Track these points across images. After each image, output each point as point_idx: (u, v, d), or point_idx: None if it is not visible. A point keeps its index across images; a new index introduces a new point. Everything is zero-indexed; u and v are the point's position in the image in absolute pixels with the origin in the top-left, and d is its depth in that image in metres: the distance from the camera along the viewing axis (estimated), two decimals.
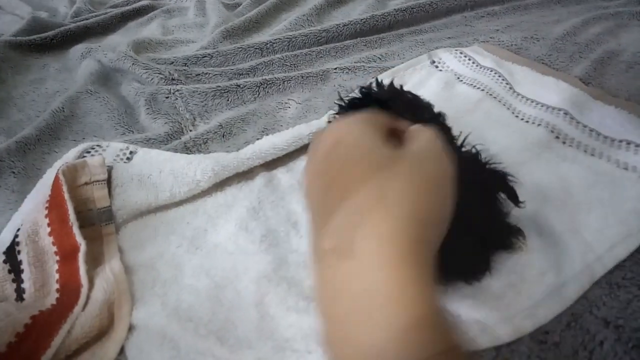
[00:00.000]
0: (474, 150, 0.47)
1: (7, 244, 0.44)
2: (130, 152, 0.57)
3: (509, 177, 0.43)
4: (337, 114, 0.53)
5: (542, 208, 0.47)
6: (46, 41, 0.94)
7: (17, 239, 0.43)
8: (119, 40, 0.98)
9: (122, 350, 0.38)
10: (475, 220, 0.38)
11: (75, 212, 0.45)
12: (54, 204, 0.45)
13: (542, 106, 0.61)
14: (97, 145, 0.57)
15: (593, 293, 0.39)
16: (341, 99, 0.54)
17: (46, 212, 0.45)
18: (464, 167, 0.40)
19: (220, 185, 0.55)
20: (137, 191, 0.51)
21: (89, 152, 0.56)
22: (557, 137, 0.56)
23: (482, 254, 0.41)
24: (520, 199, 0.47)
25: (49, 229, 0.44)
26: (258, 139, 0.61)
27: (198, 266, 0.45)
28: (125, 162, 0.56)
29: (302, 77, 0.76)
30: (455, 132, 0.51)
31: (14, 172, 0.58)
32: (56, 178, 0.47)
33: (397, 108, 0.49)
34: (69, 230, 0.44)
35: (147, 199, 0.51)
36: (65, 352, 0.36)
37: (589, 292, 0.39)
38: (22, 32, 0.95)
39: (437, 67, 0.75)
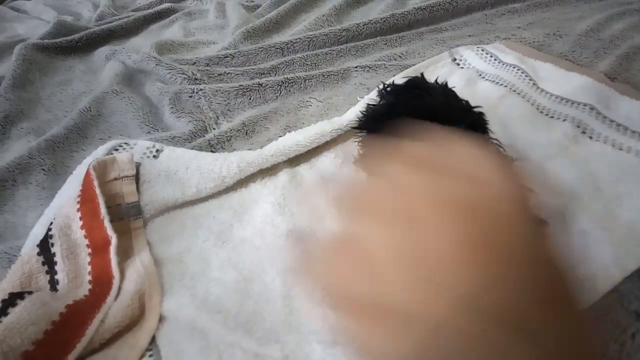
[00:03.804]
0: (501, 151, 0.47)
1: (41, 237, 0.45)
2: (157, 150, 0.58)
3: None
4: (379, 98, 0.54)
5: (571, 203, 0.46)
6: (72, 44, 0.96)
7: (50, 232, 0.45)
8: (142, 43, 1.00)
9: (153, 340, 0.39)
10: None
11: (105, 206, 0.46)
12: (86, 199, 0.46)
13: (567, 102, 0.60)
14: (125, 143, 0.58)
15: (624, 286, 0.39)
16: (384, 86, 0.55)
17: (78, 206, 0.46)
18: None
19: (244, 181, 0.55)
20: (164, 187, 0.52)
21: (117, 149, 0.57)
22: (584, 132, 0.56)
23: None
24: (549, 193, 0.46)
25: (80, 223, 0.45)
26: (280, 136, 0.61)
27: (225, 260, 0.46)
28: (152, 160, 0.57)
29: (323, 75, 0.76)
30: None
31: (43, 170, 0.60)
32: (87, 173, 0.48)
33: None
34: (100, 224, 0.45)
35: (174, 195, 0.52)
36: (99, 340, 0.37)
37: (620, 286, 0.39)
38: (49, 36, 0.98)
39: (458, 64, 0.75)
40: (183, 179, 0.53)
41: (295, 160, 0.58)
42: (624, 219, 0.44)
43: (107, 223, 0.45)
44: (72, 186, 0.52)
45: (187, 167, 0.53)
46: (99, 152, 0.56)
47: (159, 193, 0.52)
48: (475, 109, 0.51)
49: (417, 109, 0.49)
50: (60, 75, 0.87)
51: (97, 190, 0.47)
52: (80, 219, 0.46)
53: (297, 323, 0.40)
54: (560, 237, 0.43)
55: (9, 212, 0.55)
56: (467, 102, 0.52)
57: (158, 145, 0.58)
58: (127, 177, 0.51)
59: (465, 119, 0.49)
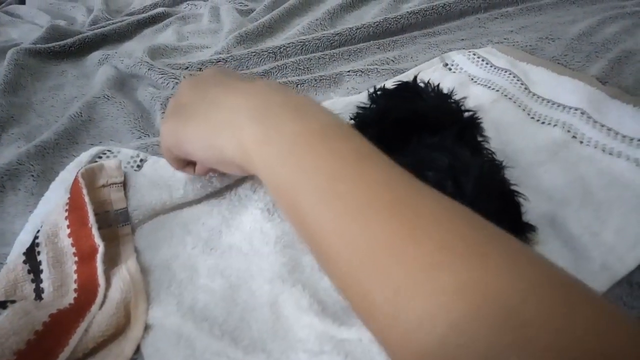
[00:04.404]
0: (492, 156, 0.47)
1: (27, 244, 0.44)
2: (141, 160, 0.58)
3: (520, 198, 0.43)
4: (370, 103, 0.54)
5: (561, 208, 0.46)
6: (64, 48, 0.96)
7: (37, 240, 0.44)
8: (135, 47, 1.00)
9: (138, 349, 0.38)
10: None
11: (93, 214, 0.46)
12: (74, 207, 0.46)
13: (558, 106, 0.60)
14: (108, 151, 0.58)
15: (613, 293, 0.38)
16: (375, 90, 0.55)
17: (66, 214, 0.46)
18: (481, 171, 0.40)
19: (233, 186, 0.55)
20: (151, 191, 0.52)
21: (100, 157, 0.57)
22: (574, 137, 0.55)
23: None
24: (538, 199, 0.46)
25: (68, 231, 0.45)
26: None
27: (213, 266, 0.46)
28: (135, 170, 0.57)
29: (316, 80, 0.76)
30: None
31: (33, 176, 0.59)
32: (76, 181, 0.48)
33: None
34: (89, 232, 0.44)
35: (162, 198, 0.51)
36: (83, 350, 0.36)
37: (609, 292, 0.38)
38: (41, 40, 0.97)
39: (450, 69, 0.75)
40: (169, 182, 0.52)
41: None
42: (613, 224, 0.44)
43: (95, 231, 0.44)
44: (56, 193, 0.52)
45: (173, 172, 0.53)
46: (82, 159, 0.56)
47: (145, 197, 0.51)
48: (467, 112, 0.51)
49: (408, 112, 0.49)
50: (53, 80, 0.87)
51: (86, 199, 0.46)
52: (68, 227, 0.45)
53: (284, 331, 0.40)
54: (550, 242, 0.43)
55: None
56: (457, 103, 0.52)
57: (142, 155, 0.58)
58: (115, 184, 0.51)
59: (457, 122, 0.48)
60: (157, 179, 0.52)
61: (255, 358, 0.38)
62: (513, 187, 0.44)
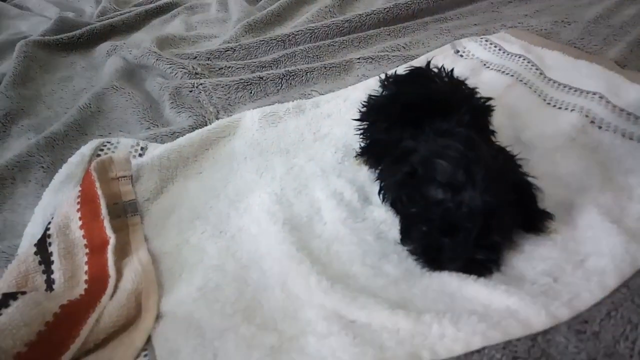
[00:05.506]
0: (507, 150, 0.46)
1: (38, 236, 0.44)
2: (142, 148, 0.58)
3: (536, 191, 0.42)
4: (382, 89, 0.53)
5: (580, 195, 0.45)
6: (73, 40, 0.95)
7: (48, 232, 0.44)
8: (143, 38, 0.99)
9: (149, 339, 0.38)
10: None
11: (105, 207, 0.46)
12: (86, 199, 0.46)
13: (575, 91, 0.59)
14: (108, 142, 0.58)
15: (635, 282, 0.37)
16: (386, 76, 0.54)
17: (78, 206, 0.46)
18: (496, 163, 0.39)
19: (237, 170, 0.56)
20: (151, 174, 0.54)
21: (102, 149, 0.57)
22: (592, 122, 0.54)
23: (489, 250, 0.40)
24: (555, 186, 0.45)
25: (80, 223, 0.45)
26: None
27: (224, 249, 0.46)
28: (137, 159, 0.57)
29: (325, 67, 0.75)
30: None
31: (42, 167, 0.59)
32: (88, 174, 0.48)
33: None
34: (100, 225, 0.44)
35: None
36: (94, 340, 0.36)
37: (631, 281, 0.37)
38: (50, 32, 0.97)
39: (461, 56, 0.73)
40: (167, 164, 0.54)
41: (292, 152, 0.58)
42: (635, 211, 0.42)
43: (107, 223, 0.45)
44: (61, 186, 0.52)
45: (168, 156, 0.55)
46: (84, 152, 0.56)
47: (149, 182, 0.53)
48: (482, 99, 0.50)
49: (418, 97, 0.48)
50: (62, 71, 0.87)
51: (99, 192, 0.47)
52: (80, 219, 0.45)
53: (294, 310, 0.39)
54: (569, 230, 0.41)
55: (7, 211, 0.54)
56: (470, 90, 0.51)
57: (142, 143, 0.59)
58: (125, 177, 0.50)
59: (469, 107, 0.47)
60: (156, 163, 0.55)
61: (269, 336, 0.37)
62: (528, 177, 0.42)
